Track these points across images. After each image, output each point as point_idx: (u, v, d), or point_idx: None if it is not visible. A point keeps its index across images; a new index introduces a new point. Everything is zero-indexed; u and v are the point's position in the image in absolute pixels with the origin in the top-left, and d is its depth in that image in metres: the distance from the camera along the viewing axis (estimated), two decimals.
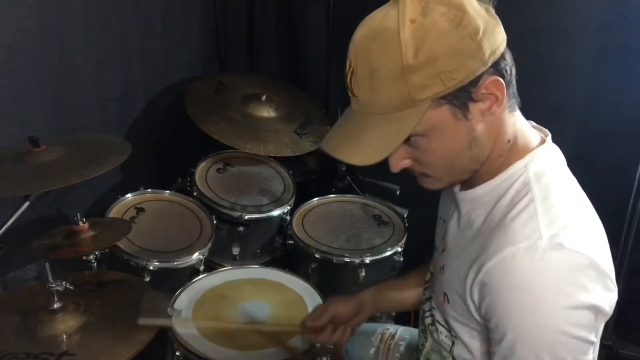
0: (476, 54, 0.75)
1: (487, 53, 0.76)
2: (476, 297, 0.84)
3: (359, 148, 0.80)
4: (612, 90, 1.79)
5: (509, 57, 0.81)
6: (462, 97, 0.77)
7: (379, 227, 1.85)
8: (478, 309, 0.85)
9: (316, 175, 2.28)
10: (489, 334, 0.85)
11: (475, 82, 0.77)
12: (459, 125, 0.80)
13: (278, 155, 1.89)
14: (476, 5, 0.78)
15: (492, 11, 0.80)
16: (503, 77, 0.79)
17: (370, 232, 1.82)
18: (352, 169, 2.16)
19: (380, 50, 0.76)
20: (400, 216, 1.90)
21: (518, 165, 0.85)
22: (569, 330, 0.76)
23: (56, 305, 1.11)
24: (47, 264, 1.11)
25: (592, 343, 0.79)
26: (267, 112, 1.97)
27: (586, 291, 0.76)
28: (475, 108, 0.79)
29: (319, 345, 1.25)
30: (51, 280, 1.10)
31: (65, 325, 1.11)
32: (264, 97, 1.98)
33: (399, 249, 1.74)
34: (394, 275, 1.77)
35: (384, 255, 1.70)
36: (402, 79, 0.75)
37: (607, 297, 0.79)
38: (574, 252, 0.77)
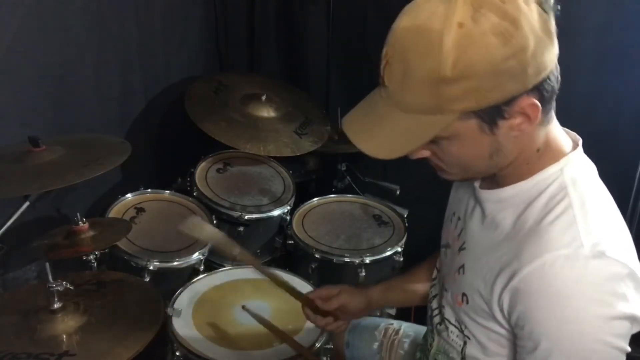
0: (517, 76, 0.71)
1: (530, 75, 0.72)
2: (506, 303, 0.82)
3: (378, 140, 0.79)
4: (612, 90, 1.79)
5: (554, 77, 0.76)
6: (492, 113, 0.75)
7: (379, 227, 1.85)
8: (507, 315, 0.83)
9: (316, 175, 2.28)
10: (518, 341, 0.83)
11: (510, 102, 0.74)
12: (483, 138, 0.78)
13: (278, 155, 1.89)
14: (534, 18, 0.71)
15: (552, 24, 0.74)
16: (542, 97, 0.75)
17: (370, 232, 1.82)
18: (352, 169, 2.16)
19: (419, 52, 0.72)
20: (400, 216, 1.90)
21: (553, 169, 0.82)
22: (608, 340, 0.75)
23: (56, 305, 1.11)
24: (47, 264, 1.11)
25: (625, 352, 0.78)
26: (267, 112, 1.97)
27: (626, 301, 0.75)
28: (504, 124, 0.76)
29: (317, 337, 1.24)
30: (51, 280, 1.10)
31: (65, 325, 1.11)
32: (264, 97, 1.98)
33: (399, 249, 1.74)
34: (394, 275, 1.76)
35: (384, 255, 1.70)
36: (435, 87, 0.72)
37: None
38: (615, 261, 0.75)
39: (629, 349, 0.78)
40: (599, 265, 0.75)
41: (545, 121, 0.81)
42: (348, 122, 0.83)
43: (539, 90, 0.75)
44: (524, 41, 0.70)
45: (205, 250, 1.62)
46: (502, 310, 0.83)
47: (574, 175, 0.82)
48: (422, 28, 0.72)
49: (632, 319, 0.76)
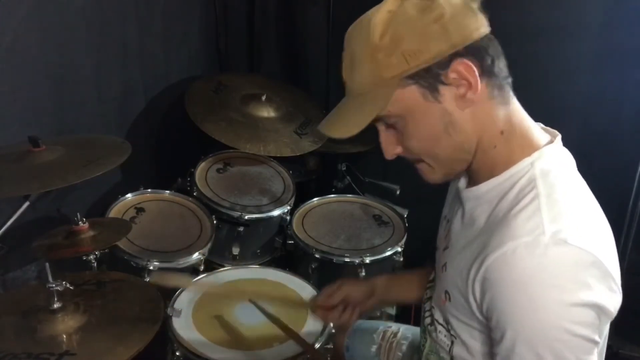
0: (440, 36, 0.79)
1: (455, 36, 0.79)
2: (478, 293, 0.83)
3: (338, 123, 0.90)
4: (612, 90, 1.79)
5: (492, 49, 0.83)
6: (429, 78, 0.81)
7: (379, 227, 1.85)
8: (479, 306, 0.84)
9: (316, 175, 2.28)
10: (490, 334, 0.84)
11: (443, 64, 0.80)
12: (430, 106, 0.83)
13: (278, 155, 1.89)
14: None
15: (474, 5, 0.82)
16: (481, 64, 0.81)
17: (370, 232, 1.82)
18: (352, 169, 2.16)
19: (356, 34, 0.85)
20: (400, 216, 1.90)
21: (524, 163, 0.85)
22: (570, 328, 0.75)
23: (56, 305, 1.11)
24: (47, 264, 1.11)
25: (595, 343, 0.78)
26: (267, 112, 1.97)
27: (588, 289, 0.75)
28: (447, 91, 0.82)
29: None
30: (51, 280, 1.10)
31: (65, 325, 1.11)
32: (264, 97, 1.98)
33: (399, 249, 1.74)
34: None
35: (384, 255, 1.70)
36: (371, 57, 0.82)
37: (611, 297, 0.78)
38: (578, 248, 0.75)
39: (597, 339, 0.78)
40: (559, 252, 0.75)
41: (500, 98, 0.85)
42: (322, 123, 0.93)
43: (475, 56, 0.81)
44: (440, 8, 0.79)
45: (205, 250, 1.62)
46: (476, 302, 0.84)
47: (545, 167, 0.84)
48: (360, 20, 0.86)
49: (596, 307, 0.76)
